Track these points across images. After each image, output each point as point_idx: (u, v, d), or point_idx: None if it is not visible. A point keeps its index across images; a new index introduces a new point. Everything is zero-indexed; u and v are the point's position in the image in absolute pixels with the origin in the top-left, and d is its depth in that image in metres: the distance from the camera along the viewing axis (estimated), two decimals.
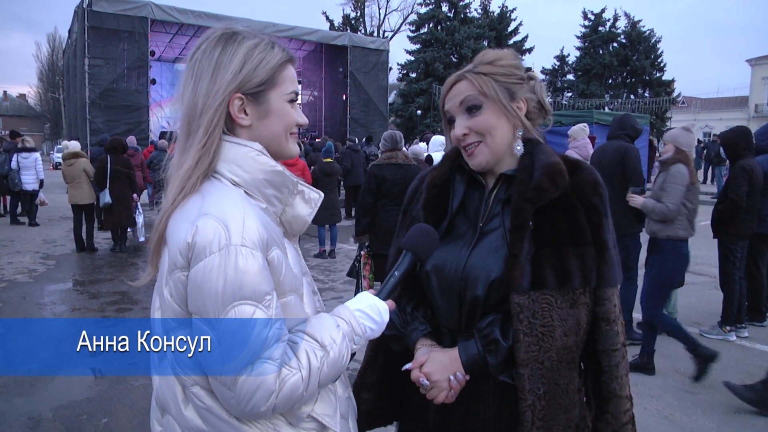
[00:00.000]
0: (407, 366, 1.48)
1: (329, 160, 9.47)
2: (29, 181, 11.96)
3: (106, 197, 9.10)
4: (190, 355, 1.20)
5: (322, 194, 1.40)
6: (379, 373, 1.66)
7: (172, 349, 1.22)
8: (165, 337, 1.24)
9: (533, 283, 1.36)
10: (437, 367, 1.42)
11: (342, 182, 14.38)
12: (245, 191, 1.24)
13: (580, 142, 7.65)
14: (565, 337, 1.37)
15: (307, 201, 1.36)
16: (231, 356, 1.11)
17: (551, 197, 1.41)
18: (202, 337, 1.14)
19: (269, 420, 1.22)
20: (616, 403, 1.47)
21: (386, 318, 1.36)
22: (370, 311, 1.33)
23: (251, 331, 1.12)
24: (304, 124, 1.38)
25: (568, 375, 1.41)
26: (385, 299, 1.37)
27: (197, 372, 1.20)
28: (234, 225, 1.13)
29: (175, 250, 1.16)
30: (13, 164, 11.81)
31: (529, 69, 1.53)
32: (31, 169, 11.95)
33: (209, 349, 1.13)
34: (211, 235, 1.12)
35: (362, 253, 5.32)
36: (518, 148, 1.49)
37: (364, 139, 16.67)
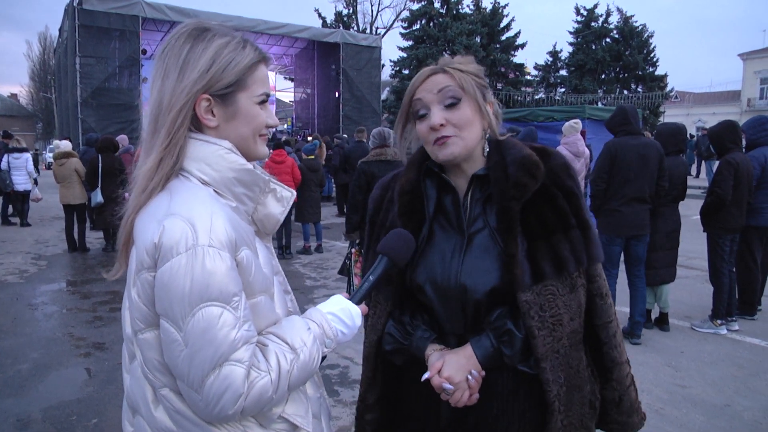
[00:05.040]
0: (426, 376, 1.45)
1: (312, 156, 9.53)
2: (20, 182, 11.90)
3: (97, 197, 9.05)
4: (157, 356, 1.19)
5: (294, 192, 1.38)
6: (380, 392, 1.64)
7: (141, 350, 1.21)
8: (135, 338, 1.22)
9: (534, 277, 1.38)
10: (456, 369, 1.41)
11: (333, 179, 14.40)
12: (214, 190, 1.22)
13: (570, 138, 7.66)
14: (572, 321, 1.41)
15: (279, 199, 1.34)
16: (198, 358, 1.09)
17: (532, 190, 1.41)
18: (169, 339, 1.12)
19: (239, 422, 1.20)
20: (618, 370, 1.54)
21: (358, 322, 1.35)
22: (342, 315, 1.32)
23: (218, 332, 1.09)
24: (274, 126, 1.36)
25: (577, 356, 1.46)
26: (358, 303, 1.36)
27: (165, 374, 1.19)
28: (201, 225, 1.11)
29: (142, 250, 1.13)
30: (3, 165, 11.75)
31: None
32: (22, 169, 11.88)
33: (176, 351, 1.11)
34: (178, 235, 1.10)
35: (353, 250, 5.31)
36: (487, 149, 1.50)
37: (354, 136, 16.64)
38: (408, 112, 1.51)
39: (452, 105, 1.42)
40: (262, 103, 1.30)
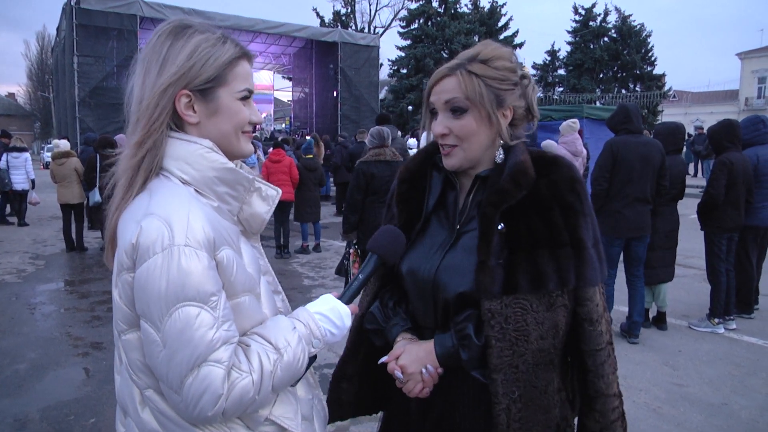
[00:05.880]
0: (384, 359, 1.48)
1: (310, 156, 9.53)
2: (19, 181, 11.89)
3: (95, 196, 9.02)
4: (139, 357, 1.18)
5: (280, 191, 1.36)
6: (360, 366, 1.66)
7: (124, 351, 1.21)
8: (119, 339, 1.22)
9: (505, 287, 1.33)
10: (412, 360, 1.43)
11: (333, 179, 14.40)
12: (195, 189, 1.21)
13: (568, 137, 7.68)
14: (541, 340, 1.35)
15: (265, 198, 1.32)
16: (176, 359, 1.08)
17: (516, 198, 1.37)
18: (148, 340, 1.11)
19: (225, 423, 1.20)
20: (603, 401, 1.46)
21: (348, 322, 1.33)
22: (330, 314, 1.31)
23: (195, 333, 1.08)
24: (257, 122, 1.34)
25: (545, 376, 1.39)
26: (348, 303, 1.35)
27: (148, 375, 1.18)
28: (178, 225, 1.10)
29: (122, 251, 1.13)
30: (2, 164, 11.74)
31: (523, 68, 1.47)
32: (21, 168, 11.88)
33: (155, 352, 1.11)
34: (154, 235, 1.09)
35: (351, 250, 5.30)
36: (500, 156, 1.45)
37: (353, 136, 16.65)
38: (428, 108, 1.49)
39: (457, 113, 1.40)
40: (245, 99, 1.28)
